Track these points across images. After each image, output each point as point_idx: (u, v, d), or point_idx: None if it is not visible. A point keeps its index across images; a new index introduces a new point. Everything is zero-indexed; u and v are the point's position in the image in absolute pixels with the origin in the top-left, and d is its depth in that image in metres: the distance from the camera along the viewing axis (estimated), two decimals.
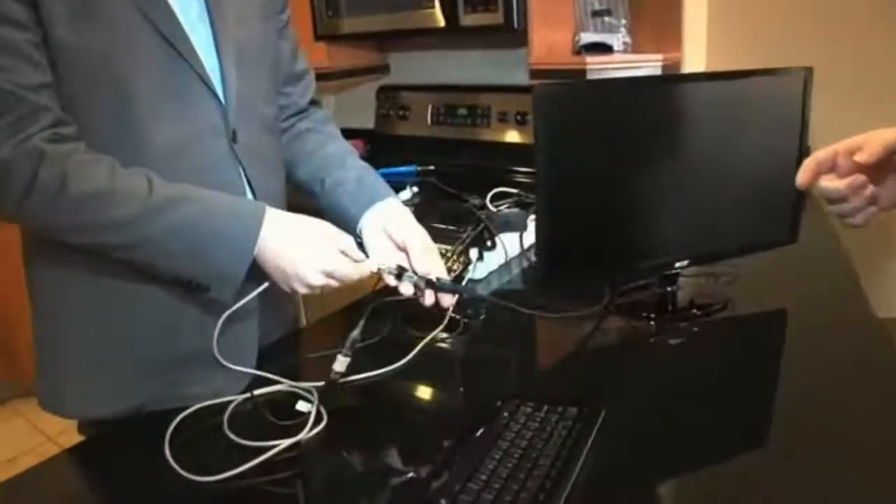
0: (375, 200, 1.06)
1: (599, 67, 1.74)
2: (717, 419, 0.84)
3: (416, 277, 0.98)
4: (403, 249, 1.02)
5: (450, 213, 1.69)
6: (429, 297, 1.00)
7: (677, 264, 1.12)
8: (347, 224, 1.04)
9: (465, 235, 1.28)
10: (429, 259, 1.01)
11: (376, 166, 2.30)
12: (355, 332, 0.90)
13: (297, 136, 1.14)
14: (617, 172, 1.03)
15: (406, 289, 0.98)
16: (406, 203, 1.95)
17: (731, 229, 1.15)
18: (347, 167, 1.10)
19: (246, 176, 0.96)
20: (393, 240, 1.02)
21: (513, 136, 2.18)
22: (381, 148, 2.65)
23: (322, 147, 1.13)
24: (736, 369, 0.97)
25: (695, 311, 1.14)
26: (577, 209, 1.02)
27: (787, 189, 1.13)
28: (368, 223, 1.04)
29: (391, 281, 0.97)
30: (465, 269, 1.23)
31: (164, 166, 0.86)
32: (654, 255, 1.10)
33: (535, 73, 1.84)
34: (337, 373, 0.90)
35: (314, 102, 1.19)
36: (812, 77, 1.11)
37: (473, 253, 1.26)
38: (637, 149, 1.03)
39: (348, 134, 2.75)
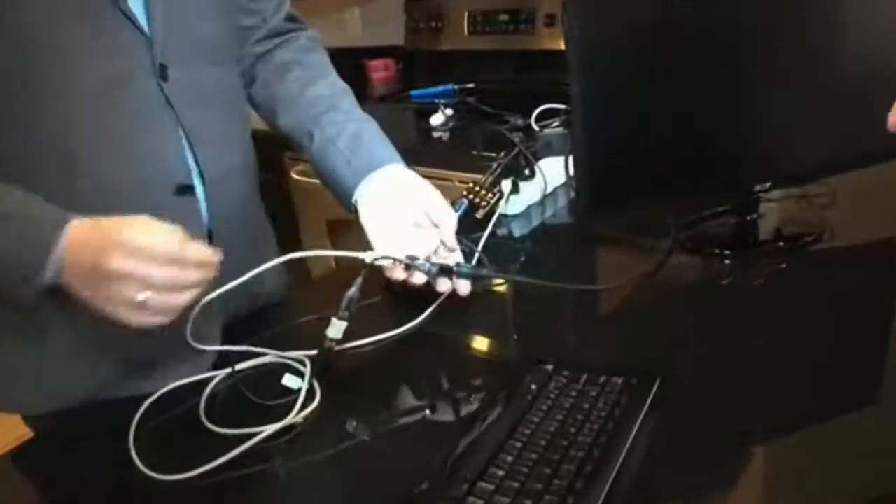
0: (374, 167, 0.93)
1: None
2: (812, 385, 0.72)
3: (428, 265, 0.86)
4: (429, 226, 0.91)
5: (490, 136, 1.58)
6: (442, 284, 0.89)
7: (757, 187, 0.98)
8: (343, 193, 0.94)
9: (495, 164, 1.16)
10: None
11: (409, 87, 2.31)
12: (352, 291, 0.81)
13: (276, 71, 1.01)
14: (675, 67, 0.89)
15: (419, 279, 0.88)
16: (441, 128, 1.87)
17: (825, 138, 0.99)
18: (339, 118, 0.96)
19: (181, 123, 0.85)
20: (411, 218, 0.91)
21: (563, 43, 2.03)
22: (413, 67, 2.54)
23: (307, 88, 0.99)
24: (836, 317, 0.84)
25: (781, 243, 1.01)
26: (624, 119, 0.89)
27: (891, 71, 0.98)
28: (365, 197, 0.92)
29: (398, 274, 0.87)
30: (496, 203, 1.12)
31: (89, 113, 0.78)
32: (727, 175, 0.97)
33: None
34: (332, 340, 0.81)
35: (292, 20, 1.06)
36: None
37: (506, 185, 1.15)
38: (702, 35, 0.89)
39: (376, 52, 2.73)
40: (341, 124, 0.96)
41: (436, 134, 1.86)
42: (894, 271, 0.93)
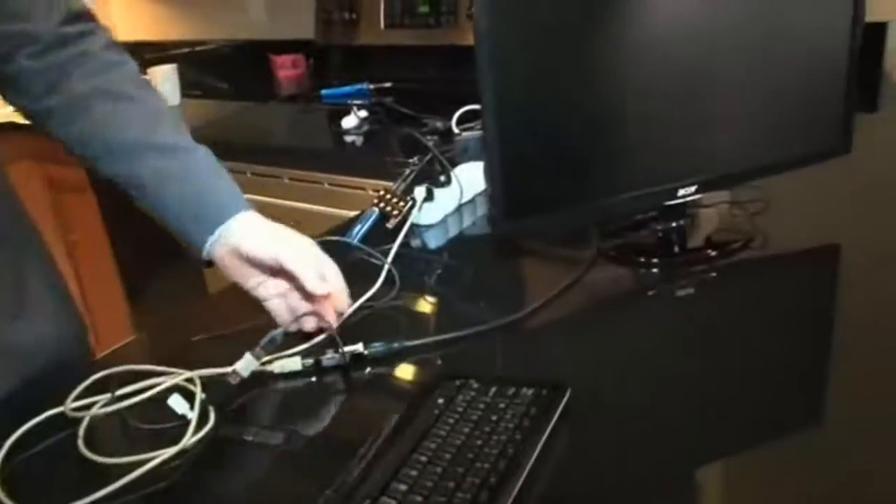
0: (220, 219, 0.92)
1: None
2: (736, 398, 0.80)
3: (332, 357, 0.91)
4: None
5: (406, 141, 1.66)
6: (308, 323, 0.95)
7: (681, 191, 1.08)
8: (192, 246, 0.94)
9: (408, 171, 1.24)
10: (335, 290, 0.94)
11: (320, 86, 2.37)
12: (278, 332, 0.89)
13: (75, 109, 0.93)
14: (596, 63, 0.98)
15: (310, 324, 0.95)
16: (353, 131, 1.94)
17: (755, 139, 1.10)
18: (163, 163, 0.92)
19: None
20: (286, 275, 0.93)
21: None
22: (325, 63, 2.61)
23: (120, 128, 0.92)
24: (765, 327, 0.92)
25: (710, 251, 1.10)
26: (539, 121, 0.97)
27: (834, 77, 1.10)
28: (219, 254, 0.93)
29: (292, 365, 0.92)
30: (409, 212, 1.19)
31: None
32: (649, 178, 1.06)
33: None
34: (237, 374, 0.86)
35: (79, 19, 0.95)
36: None
37: (420, 192, 1.22)
38: (624, 28, 0.98)
39: (284, 46, 2.78)
40: (168, 170, 0.92)
41: (348, 138, 1.93)
42: (826, 279, 1.03)
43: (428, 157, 1.28)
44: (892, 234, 1.11)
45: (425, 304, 1.06)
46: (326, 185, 1.81)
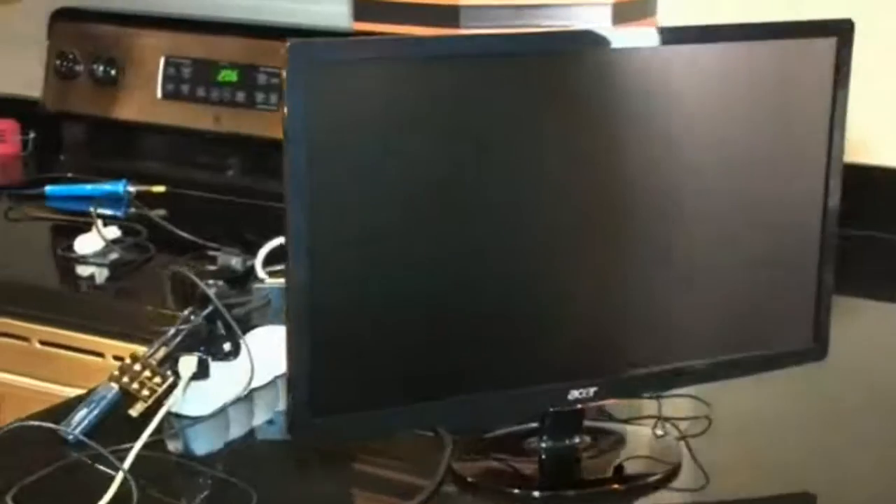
0: None
1: (486, 3, 1.92)
2: None
3: None
4: None
5: (177, 283, 1.77)
6: None
7: (574, 394, 1.24)
8: None
9: (172, 330, 1.36)
10: None
11: (43, 180, 2.38)
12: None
13: None
14: (451, 216, 1.15)
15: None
16: (93, 260, 2.00)
17: (691, 331, 1.29)
18: None
19: None
20: None
21: None
22: (57, 142, 2.72)
23: None
24: None
25: (617, 485, 1.26)
26: (366, 275, 1.12)
27: (804, 251, 1.30)
28: None
29: None
30: (166, 393, 1.31)
31: None
32: (530, 374, 1.21)
33: (360, 7, 2.00)
34: None
35: None
36: (852, 37, 1.28)
37: (187, 364, 1.34)
38: (493, 172, 1.16)
39: None
40: None
41: (84, 271, 2.03)
42: None
43: (206, 312, 1.40)
44: (880, 478, 1.29)
45: None
46: (37, 345, 1.89)
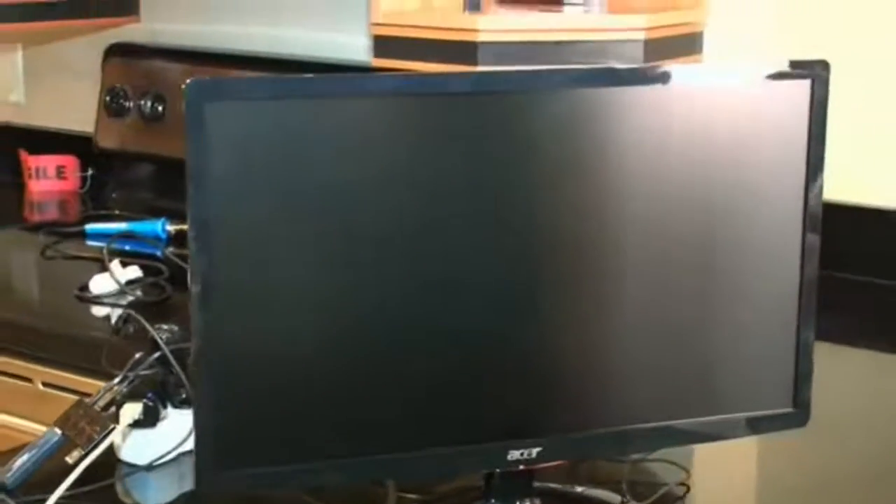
0: None
1: (504, 39, 1.92)
2: None
3: None
4: None
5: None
6: None
7: (515, 453, 1.18)
8: None
9: (118, 378, 1.33)
10: None
11: (92, 216, 2.41)
12: None
13: None
14: (367, 263, 1.11)
15: None
16: (107, 299, 2.01)
17: (645, 391, 1.22)
18: None
19: None
20: None
21: None
22: (106, 178, 2.76)
23: None
24: None
25: None
26: (280, 341, 1.09)
27: (780, 307, 1.23)
28: None
29: None
30: (99, 442, 1.27)
31: None
32: (464, 431, 1.17)
33: (380, 44, 2.01)
34: None
35: None
36: (828, 78, 1.21)
37: (130, 410, 1.32)
38: (411, 215, 1.12)
39: (43, 143, 2.77)
40: None
41: (94, 311, 2.05)
42: None
43: (154, 357, 1.36)
44: None
45: None
46: (40, 386, 1.90)
